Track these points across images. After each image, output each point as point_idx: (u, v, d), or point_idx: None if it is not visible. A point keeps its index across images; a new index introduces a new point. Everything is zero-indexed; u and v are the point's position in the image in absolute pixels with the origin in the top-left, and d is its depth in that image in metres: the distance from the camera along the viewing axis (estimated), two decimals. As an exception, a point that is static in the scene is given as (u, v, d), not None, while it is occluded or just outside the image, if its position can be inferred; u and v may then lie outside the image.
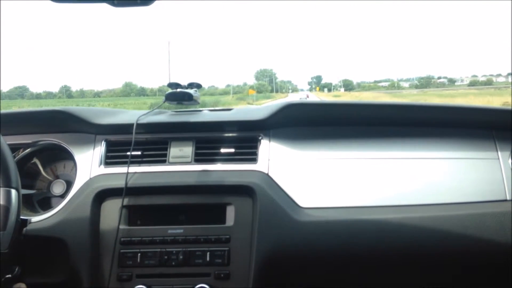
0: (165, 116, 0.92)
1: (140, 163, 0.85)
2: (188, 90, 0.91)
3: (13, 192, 0.63)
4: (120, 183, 0.81)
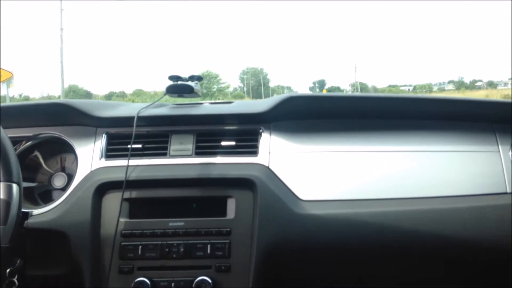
0: (166, 109, 1.05)
1: (141, 156, 0.99)
2: (189, 83, 1.06)
3: (14, 186, 0.75)
4: (121, 176, 0.93)
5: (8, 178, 0.75)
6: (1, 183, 0.74)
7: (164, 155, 1.00)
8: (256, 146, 1.00)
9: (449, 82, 64.25)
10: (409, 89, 65.65)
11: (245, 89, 62.83)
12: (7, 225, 0.73)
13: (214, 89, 41.30)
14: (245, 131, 1.03)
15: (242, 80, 67.64)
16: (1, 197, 0.74)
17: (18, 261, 0.88)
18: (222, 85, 42.16)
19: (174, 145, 1.01)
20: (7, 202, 0.74)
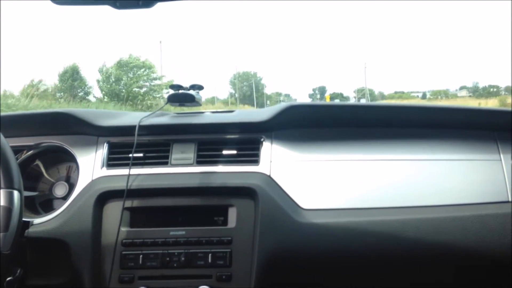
0: (167, 118, 1.11)
1: (142, 165, 1.04)
2: (190, 92, 1.11)
3: (15, 193, 0.79)
4: (122, 185, 0.98)
5: (9, 185, 0.79)
6: (2, 190, 0.78)
7: (165, 164, 1.06)
8: (257, 155, 1.06)
9: (462, 88, 64.05)
10: (418, 95, 65.76)
11: (236, 95, 60.98)
12: (8, 232, 0.77)
13: (144, 88, 24.44)
14: (246, 140, 1.08)
15: (233, 85, 65.17)
16: (2, 204, 0.78)
17: (18, 271, 0.92)
18: (157, 81, 25.30)
19: (176, 154, 1.07)
20: (8, 209, 0.78)
